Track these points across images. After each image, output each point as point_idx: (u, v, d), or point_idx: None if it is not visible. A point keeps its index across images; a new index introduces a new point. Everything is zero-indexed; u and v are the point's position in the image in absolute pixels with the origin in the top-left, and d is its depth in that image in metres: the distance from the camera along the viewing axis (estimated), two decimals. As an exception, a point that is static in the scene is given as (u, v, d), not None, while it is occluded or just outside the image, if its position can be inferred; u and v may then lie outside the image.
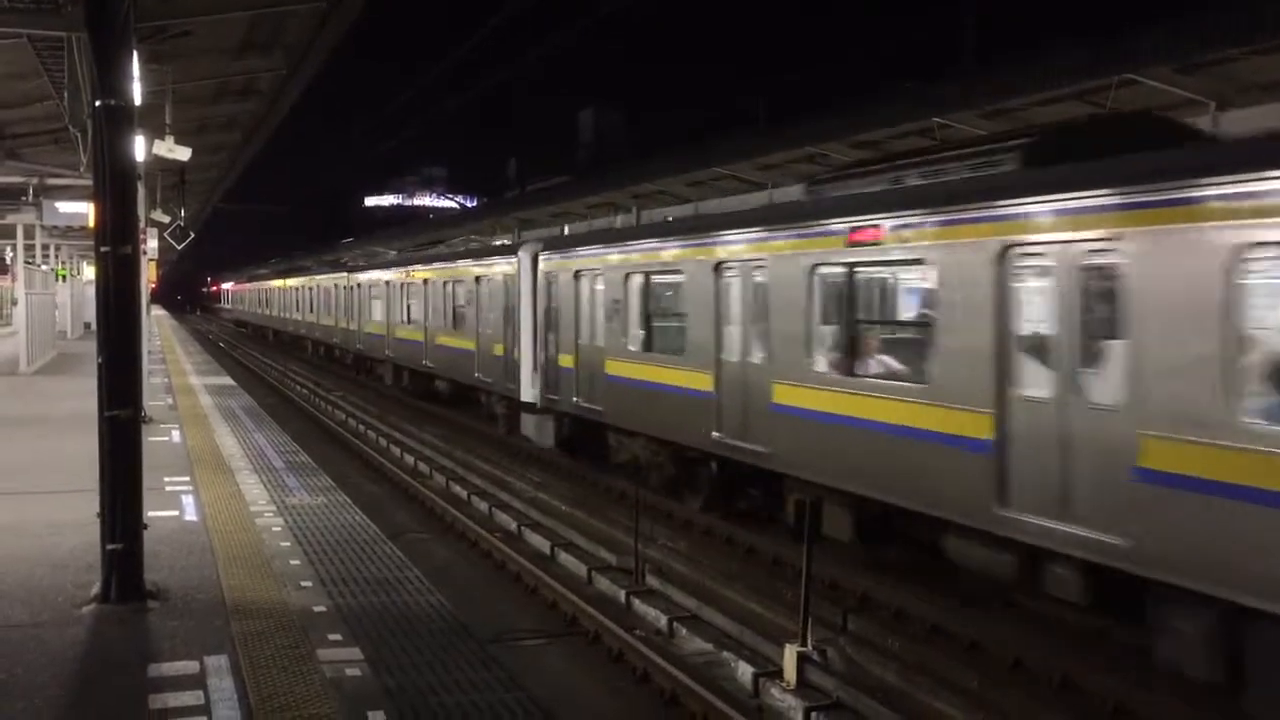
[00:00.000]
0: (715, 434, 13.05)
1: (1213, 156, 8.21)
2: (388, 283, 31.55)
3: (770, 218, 12.88)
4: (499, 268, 21.55)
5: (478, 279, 22.89)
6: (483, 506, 16.29)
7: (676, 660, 9.60)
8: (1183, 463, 7.43)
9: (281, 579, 8.84)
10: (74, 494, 10.94)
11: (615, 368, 15.77)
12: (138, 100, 10.75)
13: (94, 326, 8.97)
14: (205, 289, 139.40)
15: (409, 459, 20.74)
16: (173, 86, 17.96)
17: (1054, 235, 8.59)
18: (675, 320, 14.66)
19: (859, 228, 10.84)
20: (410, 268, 29.58)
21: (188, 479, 13.12)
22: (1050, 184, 8.74)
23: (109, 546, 8.03)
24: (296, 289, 50.82)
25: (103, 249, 7.99)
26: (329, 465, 15.91)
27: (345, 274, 38.88)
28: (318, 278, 45.08)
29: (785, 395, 11.80)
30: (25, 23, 13.76)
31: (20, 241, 29.30)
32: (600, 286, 16.53)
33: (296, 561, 9.43)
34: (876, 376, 10.80)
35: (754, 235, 12.64)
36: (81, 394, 13.07)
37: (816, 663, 8.95)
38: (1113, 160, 8.41)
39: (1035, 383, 8.74)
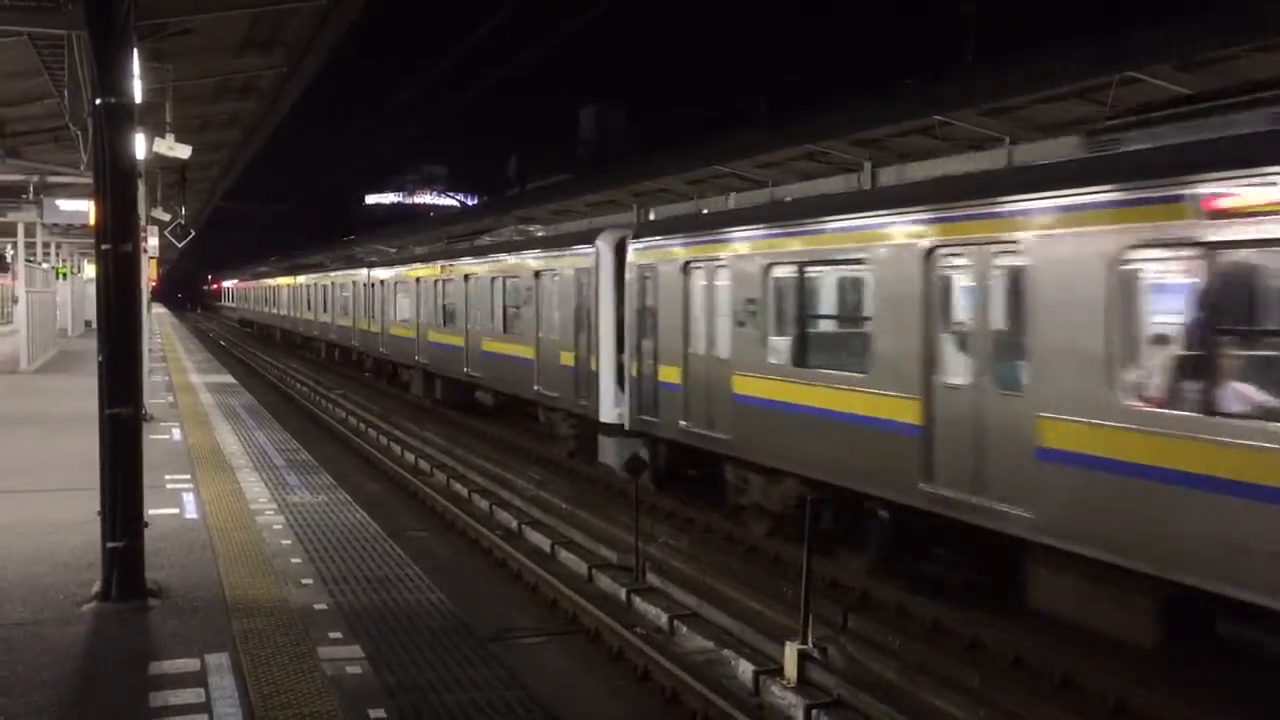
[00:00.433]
0: (924, 485, 9.80)
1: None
2: (419, 279, 27.86)
3: (1058, 177, 8.95)
4: (568, 260, 18.08)
5: (537, 274, 19.37)
6: (483, 504, 16.32)
7: (677, 658, 9.62)
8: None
9: (282, 577, 8.84)
10: (75, 492, 10.95)
11: (747, 385, 12.65)
12: (138, 98, 10.79)
13: (94, 325, 8.97)
14: (206, 287, 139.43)
15: (409, 456, 20.77)
16: (173, 84, 17.95)
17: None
18: (850, 326, 11.97)
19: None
20: (448, 261, 25.64)
21: (188, 477, 13.12)
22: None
23: (110, 544, 8.04)
24: (309, 286, 46.04)
25: (103, 247, 7.99)
26: (330, 463, 15.94)
27: (365, 270, 34.95)
28: (333, 274, 40.85)
29: (1058, 435, 8.38)
30: (26, 21, 13.75)
31: (21, 239, 29.30)
32: (723, 282, 13.32)
33: (297, 559, 9.43)
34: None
35: (1020, 205, 8.96)
36: (82, 392, 13.04)
37: (817, 661, 8.96)
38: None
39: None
